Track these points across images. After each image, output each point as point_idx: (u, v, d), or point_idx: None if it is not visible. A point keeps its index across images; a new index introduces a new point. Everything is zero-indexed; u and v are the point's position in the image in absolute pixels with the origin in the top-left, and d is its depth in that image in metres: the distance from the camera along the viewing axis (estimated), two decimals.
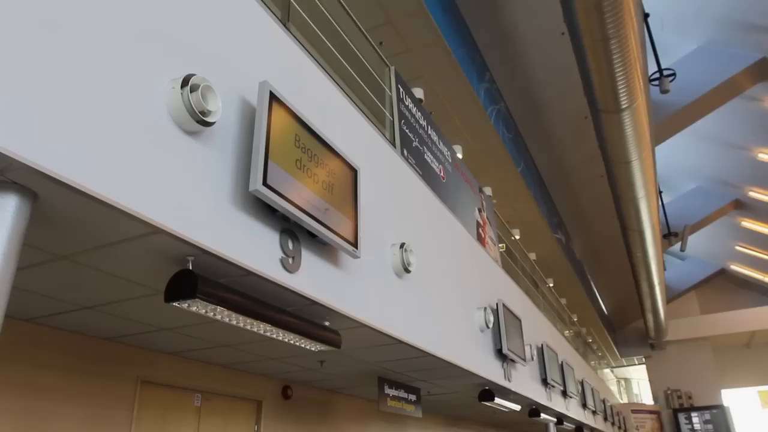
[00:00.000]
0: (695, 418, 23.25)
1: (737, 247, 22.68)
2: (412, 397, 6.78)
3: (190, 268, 2.93)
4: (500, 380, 7.26)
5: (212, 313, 3.14)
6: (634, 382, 30.67)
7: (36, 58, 2.16)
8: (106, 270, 3.21)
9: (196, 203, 2.76)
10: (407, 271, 4.78)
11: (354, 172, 4.05)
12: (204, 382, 5.80)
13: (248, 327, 3.79)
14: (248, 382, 6.37)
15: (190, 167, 2.76)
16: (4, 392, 3.98)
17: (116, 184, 2.37)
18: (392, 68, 6.14)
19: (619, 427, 20.06)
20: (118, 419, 4.78)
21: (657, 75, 9.91)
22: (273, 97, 3.22)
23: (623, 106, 8.00)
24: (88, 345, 4.61)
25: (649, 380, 25.20)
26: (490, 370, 6.93)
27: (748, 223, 20.18)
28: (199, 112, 2.69)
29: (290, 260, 3.36)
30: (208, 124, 2.77)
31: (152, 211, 2.51)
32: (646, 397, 26.80)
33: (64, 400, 4.35)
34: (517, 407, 8.54)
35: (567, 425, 11.73)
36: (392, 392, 6.32)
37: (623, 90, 7.64)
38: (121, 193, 2.39)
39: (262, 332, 3.94)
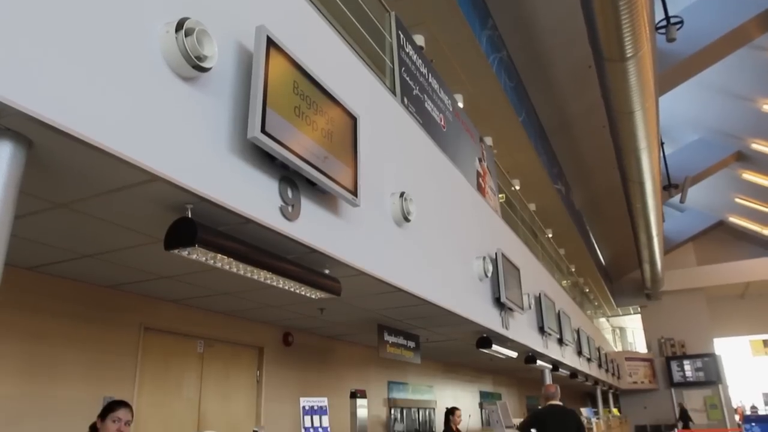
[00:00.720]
0: (687, 366, 23.79)
1: (737, 200, 22.68)
2: (411, 344, 6.91)
3: (189, 216, 2.93)
4: (498, 328, 7.39)
5: (212, 261, 3.16)
6: (629, 331, 31.26)
7: (29, 3, 2.09)
8: (105, 218, 3.21)
9: (194, 151, 2.74)
10: (407, 220, 4.79)
11: (354, 120, 4.00)
12: (206, 329, 5.90)
13: (248, 275, 3.82)
14: (249, 329, 6.48)
15: (187, 114, 2.72)
16: (8, 338, 4.06)
17: (112, 131, 2.34)
18: (393, 14, 5.98)
19: (613, 374, 20.56)
20: (123, 365, 4.88)
21: (664, 23, 9.66)
22: (270, 43, 3.14)
23: (628, 55, 7.83)
24: (90, 293, 4.66)
25: (644, 329, 25.67)
26: (488, 318, 7.04)
27: (749, 176, 20.11)
28: (195, 57, 2.63)
29: (289, 208, 3.35)
30: (204, 70, 2.71)
31: (149, 159, 2.49)
32: (640, 346, 27.32)
33: (67, 347, 4.43)
34: (513, 354, 8.72)
35: (562, 372, 12.00)
36: (391, 339, 6.44)
37: (629, 38, 7.46)
38: (117, 139, 2.36)
39: (262, 280, 3.98)
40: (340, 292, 4.33)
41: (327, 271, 4.26)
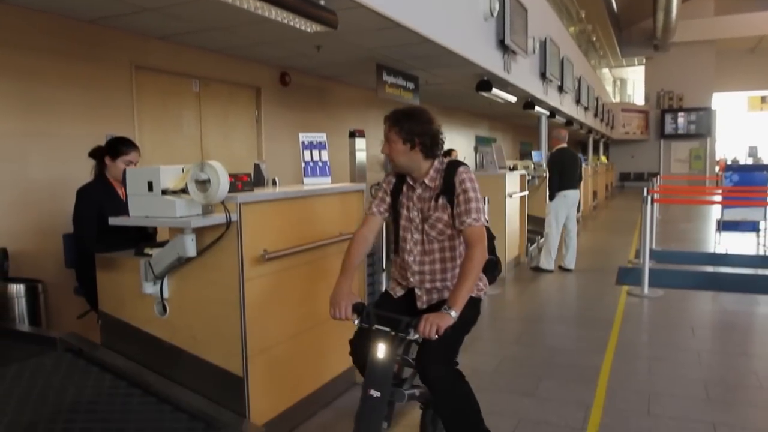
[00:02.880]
0: (680, 119, 24.17)
1: None
2: (410, 85, 6.82)
3: None
4: (499, 72, 7.22)
5: None
6: (630, 83, 31.01)
7: None
8: None
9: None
10: None
11: None
12: (200, 68, 5.74)
13: (237, 3, 3.54)
14: (246, 69, 6.32)
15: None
16: (6, 77, 3.97)
17: None
18: None
19: (607, 124, 20.97)
20: (118, 103, 4.84)
21: None
22: None
23: None
24: (77, 29, 4.42)
25: (645, 81, 25.44)
26: (490, 60, 6.82)
27: None
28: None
29: None
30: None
31: None
32: (638, 98, 27.35)
33: (61, 86, 4.34)
34: (513, 99, 8.70)
35: (559, 119, 12.16)
36: (390, 79, 6.32)
37: None
38: None
39: (253, 10, 3.71)
40: (337, 24, 4.08)
41: (322, 2, 3.95)
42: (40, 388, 2.61)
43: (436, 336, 2.10)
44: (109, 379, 2.77)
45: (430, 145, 2.42)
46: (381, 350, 2.16)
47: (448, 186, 2.39)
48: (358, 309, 2.28)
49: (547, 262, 7.03)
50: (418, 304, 2.48)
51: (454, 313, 2.14)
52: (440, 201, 2.41)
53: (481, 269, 2.30)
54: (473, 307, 2.43)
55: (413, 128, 2.39)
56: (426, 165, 2.44)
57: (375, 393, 2.13)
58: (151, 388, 2.71)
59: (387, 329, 2.18)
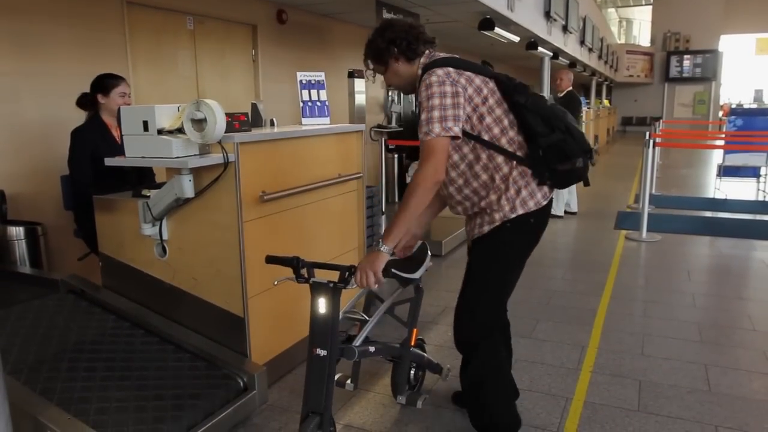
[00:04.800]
0: (686, 61, 23.68)
1: None
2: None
3: None
4: (503, 10, 7.00)
5: None
6: (636, 24, 30.18)
7: None
8: None
9: None
10: None
11: None
12: (194, 4, 5.54)
13: None
14: (241, 6, 6.11)
15: None
16: None
17: None
18: None
19: (611, 66, 20.55)
20: (112, 41, 4.70)
21: None
22: None
23: None
24: None
25: (652, 22, 24.77)
26: None
27: None
28: None
29: None
30: None
31: None
32: (644, 40, 26.71)
33: (53, 23, 4.19)
34: (515, 39, 8.46)
35: (562, 60, 11.90)
36: (390, 17, 6.13)
37: None
38: None
39: None
40: None
41: None
42: (44, 329, 2.64)
43: (376, 286, 1.95)
44: (111, 320, 2.80)
45: (408, 46, 2.10)
46: (321, 305, 2.00)
47: None
48: (291, 263, 2.05)
49: (557, 208, 7.03)
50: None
51: (384, 248, 1.93)
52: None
53: (423, 195, 1.93)
54: (508, 232, 2.06)
55: (380, 45, 2.14)
56: (414, 71, 2.14)
57: (320, 352, 1.99)
58: (154, 329, 2.74)
59: (324, 281, 2.00)
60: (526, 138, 2.06)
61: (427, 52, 2.14)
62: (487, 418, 2.26)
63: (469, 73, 2.04)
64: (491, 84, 2.08)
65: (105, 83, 3.33)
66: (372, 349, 2.25)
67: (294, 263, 2.05)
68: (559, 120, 2.06)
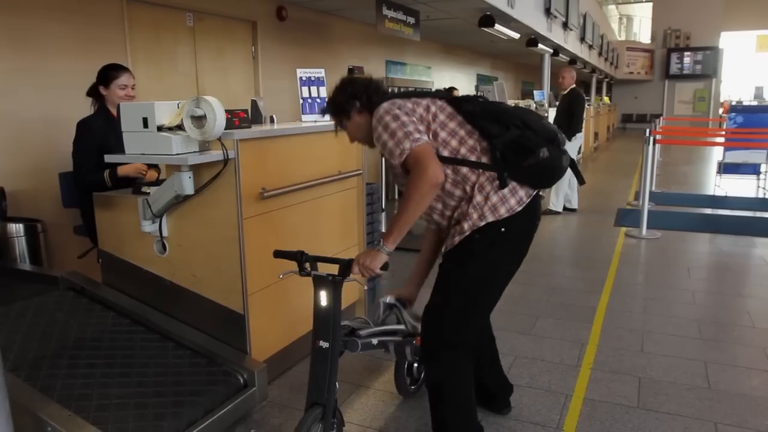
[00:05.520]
0: (687, 58, 23.65)
1: None
2: (411, 20, 6.61)
3: None
4: (503, 6, 6.99)
5: None
6: (636, 20, 30.11)
7: None
8: None
9: None
10: None
11: None
12: (194, 1, 5.53)
13: None
14: (241, 2, 6.10)
15: None
16: None
17: None
18: None
19: (611, 63, 20.52)
20: (111, 38, 4.69)
21: None
22: None
23: None
24: None
25: (652, 19, 24.73)
26: None
27: None
28: None
29: None
30: None
31: None
32: (645, 37, 26.67)
33: (52, 19, 4.18)
34: (516, 35, 8.46)
35: (562, 57, 11.88)
36: (390, 14, 6.12)
37: None
38: None
39: None
40: None
41: None
42: (44, 326, 2.64)
43: (373, 275, 1.96)
44: (111, 317, 2.80)
45: (368, 99, 2.12)
46: (323, 298, 2.03)
47: None
48: (296, 257, 2.10)
49: (557, 204, 7.03)
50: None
51: (385, 249, 1.94)
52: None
53: (422, 194, 1.90)
54: (478, 243, 1.99)
55: (342, 99, 2.15)
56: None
57: (323, 344, 2.03)
58: (154, 326, 2.74)
59: (324, 274, 2.04)
60: (489, 144, 2.01)
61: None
62: (443, 430, 2.17)
63: (414, 98, 2.09)
64: (439, 102, 2.09)
65: (106, 75, 3.32)
66: (375, 341, 2.29)
67: (298, 257, 2.08)
68: (512, 116, 2.02)
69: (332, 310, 2.03)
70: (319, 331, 2.05)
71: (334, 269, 2.05)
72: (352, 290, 3.32)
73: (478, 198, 1.99)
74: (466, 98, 2.13)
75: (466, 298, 2.06)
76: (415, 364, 2.64)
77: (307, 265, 2.10)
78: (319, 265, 2.13)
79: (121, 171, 3.17)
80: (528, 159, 1.98)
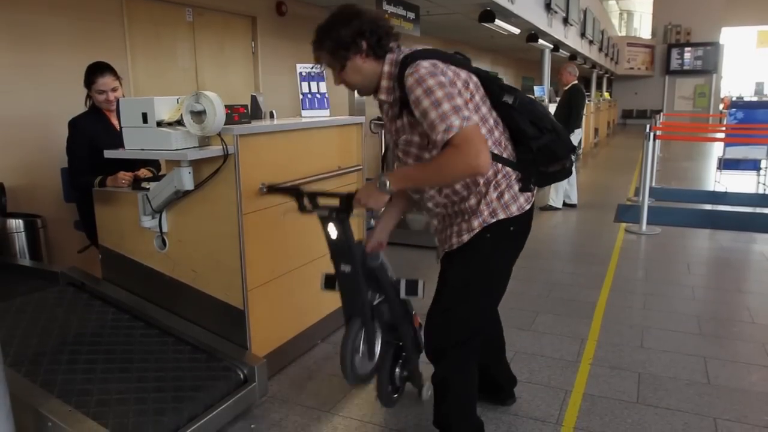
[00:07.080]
0: (687, 54, 23.60)
1: None
2: (411, 15, 6.59)
3: None
4: (503, 1, 6.98)
5: None
6: (637, 16, 30.05)
7: None
8: None
9: None
10: None
11: None
12: None
13: None
14: None
15: None
16: None
17: None
18: None
19: (612, 59, 20.48)
20: (111, 33, 4.67)
21: None
22: None
23: None
24: None
25: (653, 14, 24.67)
26: None
27: None
28: None
29: None
30: None
31: None
32: (645, 32, 26.61)
33: (51, 14, 4.17)
34: (516, 31, 8.43)
35: (562, 53, 11.85)
36: (390, 8, 6.09)
37: None
38: None
39: None
40: None
41: None
42: (44, 321, 2.64)
43: (371, 209, 1.91)
44: (111, 313, 2.80)
45: (379, 42, 1.83)
46: (332, 230, 2.07)
47: (406, 97, 1.78)
48: (293, 192, 2.13)
49: (557, 200, 7.03)
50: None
51: (390, 189, 1.80)
52: (405, 119, 1.86)
53: (454, 176, 1.77)
54: (489, 241, 1.91)
55: (345, 35, 1.84)
56: (380, 69, 1.87)
57: (345, 268, 2.09)
58: (154, 321, 2.74)
59: (325, 211, 2.05)
60: (513, 139, 1.95)
61: (390, 57, 1.88)
62: (445, 425, 2.17)
63: (454, 67, 1.83)
64: (475, 79, 1.89)
65: (86, 77, 3.24)
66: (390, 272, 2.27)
67: (295, 193, 2.13)
68: (546, 120, 1.95)
69: (344, 237, 2.06)
70: (338, 257, 2.10)
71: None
72: None
73: (493, 194, 1.89)
74: (503, 87, 1.94)
75: (475, 296, 2.02)
76: (397, 371, 2.45)
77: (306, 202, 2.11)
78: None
79: (109, 183, 3.09)
80: (555, 165, 1.98)
